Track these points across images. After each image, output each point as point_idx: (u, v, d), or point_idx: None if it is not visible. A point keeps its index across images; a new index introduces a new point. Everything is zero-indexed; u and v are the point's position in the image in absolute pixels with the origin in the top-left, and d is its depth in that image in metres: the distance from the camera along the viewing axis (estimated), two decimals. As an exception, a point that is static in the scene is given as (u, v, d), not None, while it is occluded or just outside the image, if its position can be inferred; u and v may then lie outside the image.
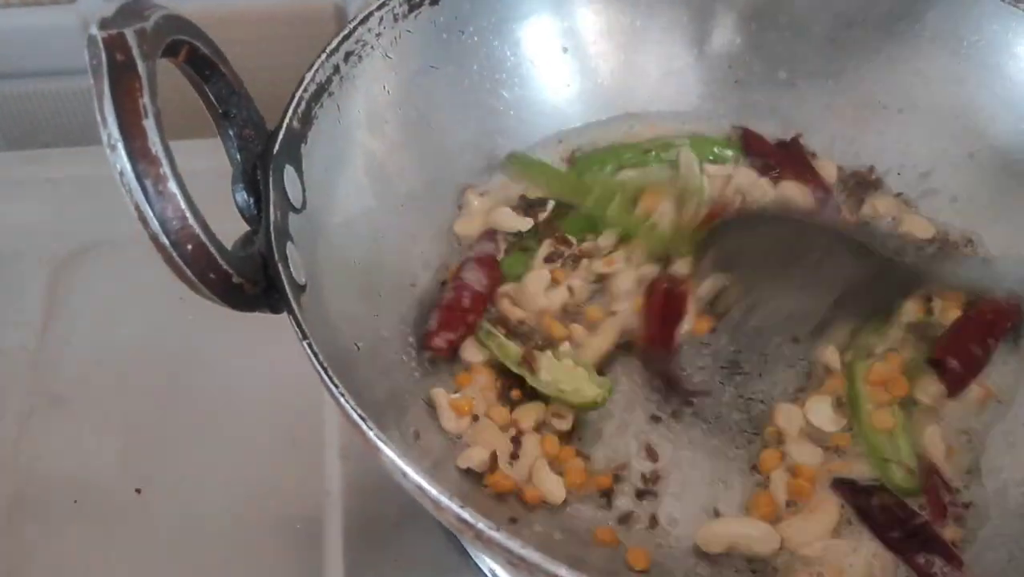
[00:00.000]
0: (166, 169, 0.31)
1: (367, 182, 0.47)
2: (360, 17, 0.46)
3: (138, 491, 0.50)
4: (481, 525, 0.29)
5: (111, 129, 0.30)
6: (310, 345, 0.34)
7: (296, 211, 0.40)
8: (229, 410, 0.53)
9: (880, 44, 0.53)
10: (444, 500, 0.29)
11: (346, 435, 0.51)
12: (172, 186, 0.31)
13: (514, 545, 0.28)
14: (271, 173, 0.39)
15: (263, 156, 0.40)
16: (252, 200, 0.39)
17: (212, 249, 0.33)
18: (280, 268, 0.36)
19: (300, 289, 0.38)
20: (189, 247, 0.32)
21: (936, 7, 0.52)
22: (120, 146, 0.30)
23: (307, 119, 0.43)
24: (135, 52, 0.31)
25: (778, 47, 0.55)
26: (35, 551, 0.48)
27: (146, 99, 0.31)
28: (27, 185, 0.64)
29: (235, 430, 0.52)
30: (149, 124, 0.31)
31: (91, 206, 0.61)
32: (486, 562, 0.46)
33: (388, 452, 0.31)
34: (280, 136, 0.40)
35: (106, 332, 0.56)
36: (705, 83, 0.56)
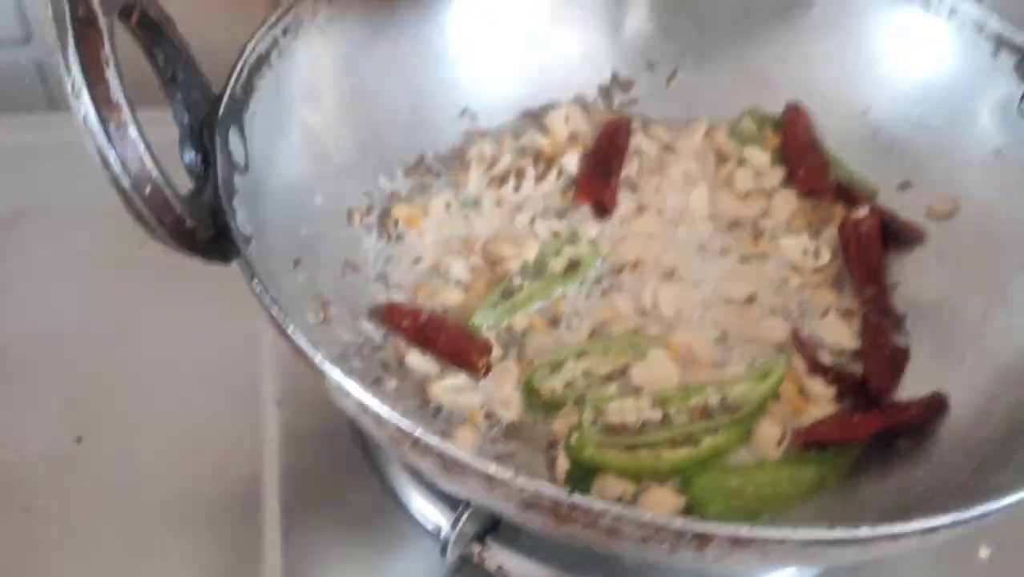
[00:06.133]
0: (127, 116, 0.34)
1: (304, 152, 0.50)
2: (298, -8, 0.49)
3: (79, 440, 0.51)
4: (418, 433, 0.32)
5: (75, 76, 0.33)
6: (259, 282, 0.36)
7: (241, 171, 0.43)
8: (166, 366, 0.54)
9: (776, 31, 0.59)
10: (385, 413, 0.32)
11: (283, 384, 0.54)
12: (133, 131, 0.34)
13: (447, 448, 0.31)
14: (217, 133, 0.41)
15: (209, 117, 0.42)
16: (200, 158, 0.41)
17: (168, 193, 0.35)
18: (228, 213, 0.39)
19: (247, 240, 0.40)
20: (148, 190, 0.35)
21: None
22: (84, 92, 0.33)
23: (249, 88, 0.45)
24: (96, 6, 0.34)
25: (686, 33, 0.60)
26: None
27: (107, 50, 0.33)
28: (-46, 152, 0.64)
29: (172, 384, 0.54)
30: (111, 73, 0.33)
31: (21, 174, 0.62)
32: (420, 511, 0.49)
33: (332, 374, 0.34)
34: (225, 100, 0.43)
35: (43, 296, 0.58)
36: (619, 66, 0.61)
